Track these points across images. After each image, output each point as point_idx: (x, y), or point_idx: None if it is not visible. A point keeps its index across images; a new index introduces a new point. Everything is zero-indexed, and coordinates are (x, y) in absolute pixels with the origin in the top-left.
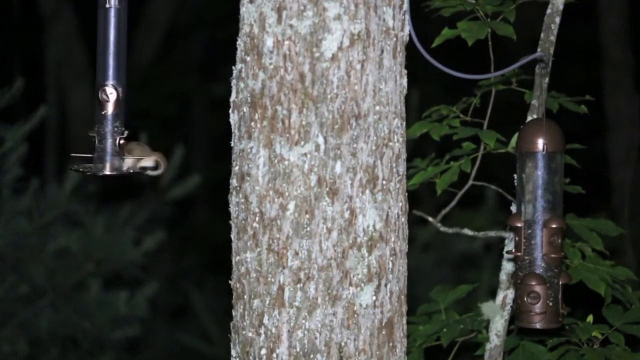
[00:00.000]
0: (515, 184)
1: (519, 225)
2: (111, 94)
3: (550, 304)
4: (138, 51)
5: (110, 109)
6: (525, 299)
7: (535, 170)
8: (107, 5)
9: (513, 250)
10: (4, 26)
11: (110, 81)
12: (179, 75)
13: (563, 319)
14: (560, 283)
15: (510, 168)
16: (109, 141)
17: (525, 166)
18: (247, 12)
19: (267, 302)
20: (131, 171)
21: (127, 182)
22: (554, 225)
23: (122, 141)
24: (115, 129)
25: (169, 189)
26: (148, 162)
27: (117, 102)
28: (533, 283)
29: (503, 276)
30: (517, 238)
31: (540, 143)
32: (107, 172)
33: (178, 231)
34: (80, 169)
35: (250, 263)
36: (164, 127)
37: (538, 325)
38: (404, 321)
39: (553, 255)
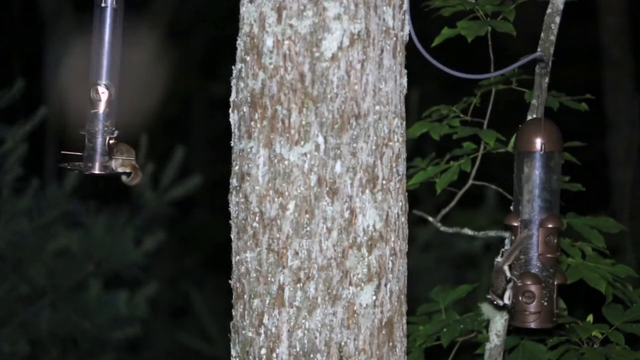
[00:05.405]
0: (514, 183)
1: (515, 224)
2: (103, 93)
3: (545, 303)
4: (138, 51)
5: (101, 108)
6: (520, 298)
7: (533, 170)
8: (103, 5)
9: (508, 249)
10: (4, 26)
11: (103, 80)
12: (179, 75)
13: (557, 319)
14: (556, 283)
15: (510, 168)
16: (99, 140)
17: (524, 165)
18: (247, 12)
19: (267, 301)
20: (115, 171)
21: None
22: (550, 225)
23: (112, 141)
24: (106, 129)
25: (169, 189)
26: (126, 169)
27: (109, 101)
28: (528, 282)
29: None
30: (513, 237)
31: (538, 143)
32: (96, 171)
33: (178, 231)
34: (69, 167)
35: (250, 263)
36: (164, 127)
37: (532, 325)
38: (404, 321)
39: (549, 255)
